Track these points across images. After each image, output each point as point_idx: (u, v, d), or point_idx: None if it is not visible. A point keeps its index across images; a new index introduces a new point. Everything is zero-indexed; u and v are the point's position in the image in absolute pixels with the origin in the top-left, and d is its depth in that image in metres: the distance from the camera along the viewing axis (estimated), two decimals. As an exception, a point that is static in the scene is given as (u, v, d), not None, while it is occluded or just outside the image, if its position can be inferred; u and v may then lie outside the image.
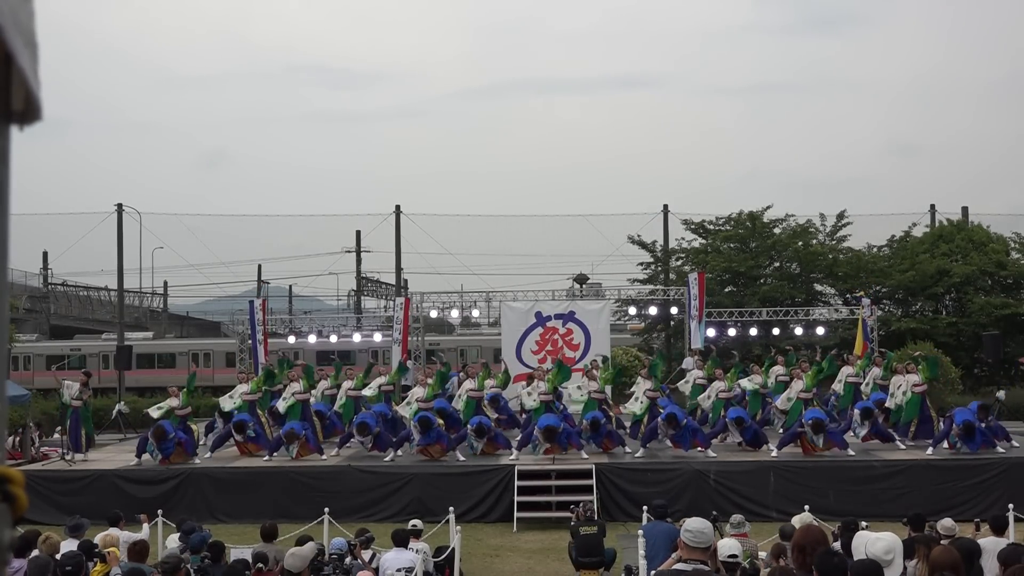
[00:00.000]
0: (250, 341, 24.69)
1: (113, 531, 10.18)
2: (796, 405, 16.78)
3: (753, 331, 27.41)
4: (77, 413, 17.07)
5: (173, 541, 10.32)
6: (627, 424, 17.63)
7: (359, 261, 42.83)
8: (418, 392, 16.87)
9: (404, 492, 15.12)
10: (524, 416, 17.44)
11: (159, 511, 12.51)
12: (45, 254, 49.75)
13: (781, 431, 16.77)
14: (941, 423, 16.22)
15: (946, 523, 9.13)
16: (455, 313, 29.08)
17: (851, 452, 15.59)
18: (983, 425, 15.37)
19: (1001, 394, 23.18)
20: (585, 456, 15.72)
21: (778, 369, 19.03)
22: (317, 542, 10.00)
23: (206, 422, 20.12)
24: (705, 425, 17.59)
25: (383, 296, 43.51)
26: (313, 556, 7.97)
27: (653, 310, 29.11)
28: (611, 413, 17.16)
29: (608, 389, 17.77)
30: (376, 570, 9.16)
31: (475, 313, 30.22)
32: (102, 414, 27.53)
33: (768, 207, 33.96)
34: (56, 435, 21.00)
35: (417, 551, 9.69)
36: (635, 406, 16.98)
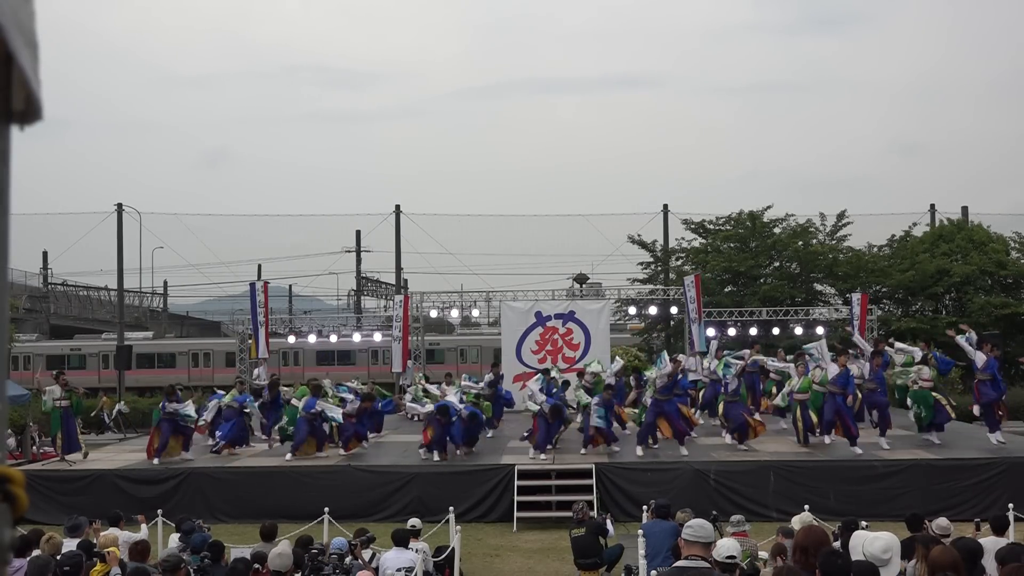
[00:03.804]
0: (251, 329, 24.59)
1: (113, 531, 10.19)
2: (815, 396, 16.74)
3: (753, 331, 27.41)
4: (68, 413, 16.93)
5: (174, 541, 10.32)
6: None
7: (359, 261, 42.90)
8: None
9: (404, 492, 15.13)
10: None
11: (159, 511, 12.51)
12: (45, 254, 49.85)
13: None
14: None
15: (941, 522, 9.11)
16: (455, 313, 29.07)
17: (858, 451, 15.58)
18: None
19: (1001, 394, 23.14)
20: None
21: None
22: (318, 542, 10.01)
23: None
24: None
25: (383, 296, 43.55)
26: (291, 550, 8.12)
27: (653, 310, 29.10)
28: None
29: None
30: (376, 570, 9.16)
31: (475, 313, 30.21)
32: (102, 414, 27.59)
33: (768, 207, 34.02)
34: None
35: (417, 551, 9.69)
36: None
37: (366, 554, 9.64)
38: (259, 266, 49.35)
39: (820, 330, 26.81)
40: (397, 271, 39.58)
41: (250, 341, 25.77)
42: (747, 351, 19.15)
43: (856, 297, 25.03)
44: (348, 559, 9.31)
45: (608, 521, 11.18)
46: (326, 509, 12.51)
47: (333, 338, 29.03)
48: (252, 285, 24.57)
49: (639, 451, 15.83)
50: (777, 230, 33.69)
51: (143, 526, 11.27)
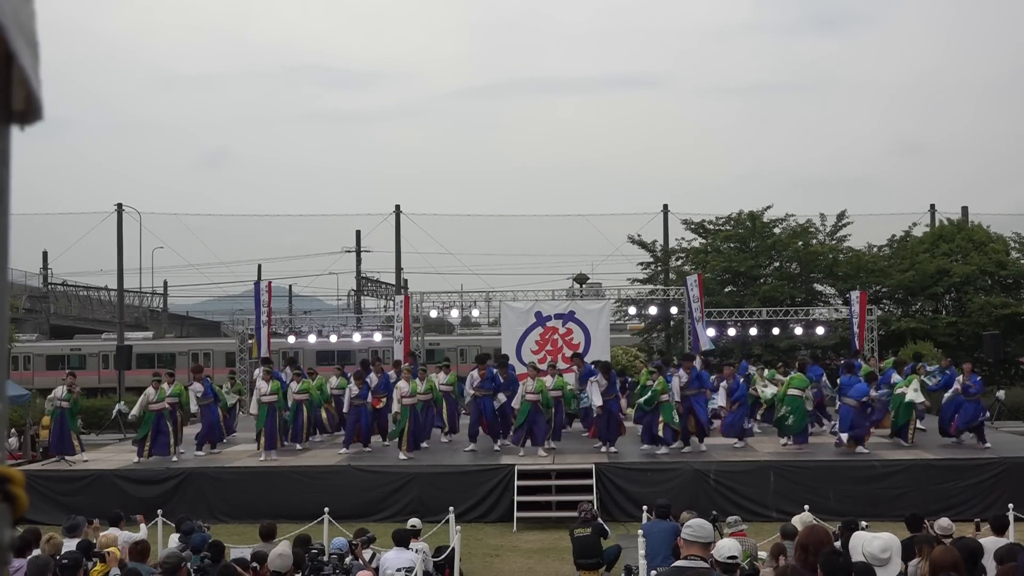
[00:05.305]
0: (253, 327, 24.49)
1: (113, 531, 10.18)
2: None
3: (753, 331, 27.39)
4: (63, 414, 16.86)
5: (174, 541, 10.32)
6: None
7: (359, 261, 42.90)
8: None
9: (404, 492, 15.13)
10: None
11: (159, 511, 12.50)
12: (45, 254, 49.84)
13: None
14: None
15: (943, 523, 9.12)
16: (455, 313, 29.06)
17: (863, 448, 15.63)
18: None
19: (1001, 394, 23.19)
20: (543, 454, 15.90)
21: None
22: (317, 542, 10.01)
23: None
24: None
25: (383, 296, 43.56)
26: (292, 551, 8.14)
27: (653, 310, 29.09)
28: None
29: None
30: (376, 570, 9.16)
31: (475, 313, 30.20)
32: (102, 414, 27.60)
33: (768, 207, 33.98)
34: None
35: (417, 551, 9.69)
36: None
37: (366, 554, 9.64)
38: (259, 266, 49.40)
39: (820, 330, 26.81)
40: (397, 271, 39.59)
41: (250, 341, 25.76)
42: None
43: (855, 296, 25.02)
44: (348, 559, 9.31)
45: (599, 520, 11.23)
46: (326, 509, 12.51)
47: (333, 338, 29.01)
48: (256, 285, 24.55)
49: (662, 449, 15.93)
50: (777, 230, 33.66)
51: (142, 526, 11.26)
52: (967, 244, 32.79)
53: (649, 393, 15.68)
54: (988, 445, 15.94)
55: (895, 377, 16.85)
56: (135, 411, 16.76)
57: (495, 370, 17.45)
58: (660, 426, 15.79)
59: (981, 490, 14.49)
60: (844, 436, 15.59)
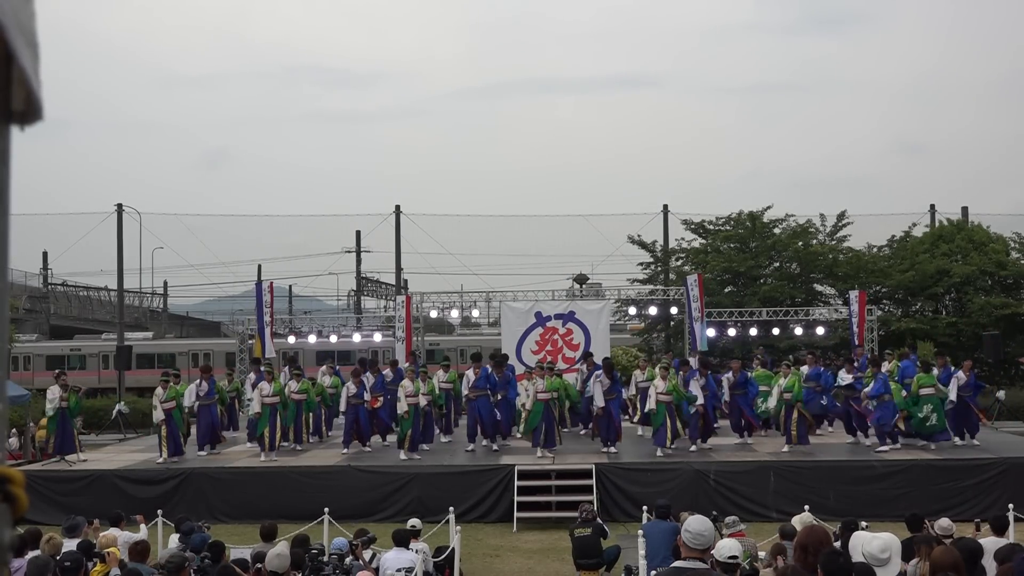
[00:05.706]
0: (256, 327, 24.42)
1: (113, 531, 10.18)
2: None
3: (753, 331, 27.38)
4: (64, 414, 16.83)
5: (174, 541, 10.32)
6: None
7: (359, 261, 42.91)
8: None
9: (404, 492, 15.13)
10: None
11: (159, 511, 12.50)
12: (45, 254, 49.88)
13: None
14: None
15: (943, 523, 9.13)
16: (455, 313, 29.04)
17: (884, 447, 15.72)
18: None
19: (1001, 394, 23.18)
20: (549, 455, 15.88)
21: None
22: (317, 542, 10.01)
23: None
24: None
25: (383, 296, 43.57)
26: (290, 551, 8.13)
27: (653, 310, 29.09)
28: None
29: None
30: (376, 570, 9.16)
31: (475, 313, 30.17)
32: (102, 414, 27.61)
33: (768, 207, 34.00)
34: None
35: (417, 551, 9.69)
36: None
37: (366, 554, 9.64)
38: (259, 266, 49.44)
39: (820, 330, 26.80)
40: (397, 271, 39.60)
41: (251, 341, 25.76)
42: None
43: (855, 296, 25.02)
44: (348, 559, 9.31)
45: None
46: (326, 509, 12.51)
47: (333, 338, 29.00)
48: (258, 285, 24.52)
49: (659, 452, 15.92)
50: (777, 230, 33.68)
51: (142, 526, 11.27)
52: (967, 244, 32.80)
53: (685, 395, 16.03)
54: (976, 443, 16.00)
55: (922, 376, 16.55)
56: (159, 415, 16.58)
57: (490, 369, 17.44)
58: (682, 427, 16.02)
59: (981, 490, 14.49)
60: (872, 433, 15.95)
